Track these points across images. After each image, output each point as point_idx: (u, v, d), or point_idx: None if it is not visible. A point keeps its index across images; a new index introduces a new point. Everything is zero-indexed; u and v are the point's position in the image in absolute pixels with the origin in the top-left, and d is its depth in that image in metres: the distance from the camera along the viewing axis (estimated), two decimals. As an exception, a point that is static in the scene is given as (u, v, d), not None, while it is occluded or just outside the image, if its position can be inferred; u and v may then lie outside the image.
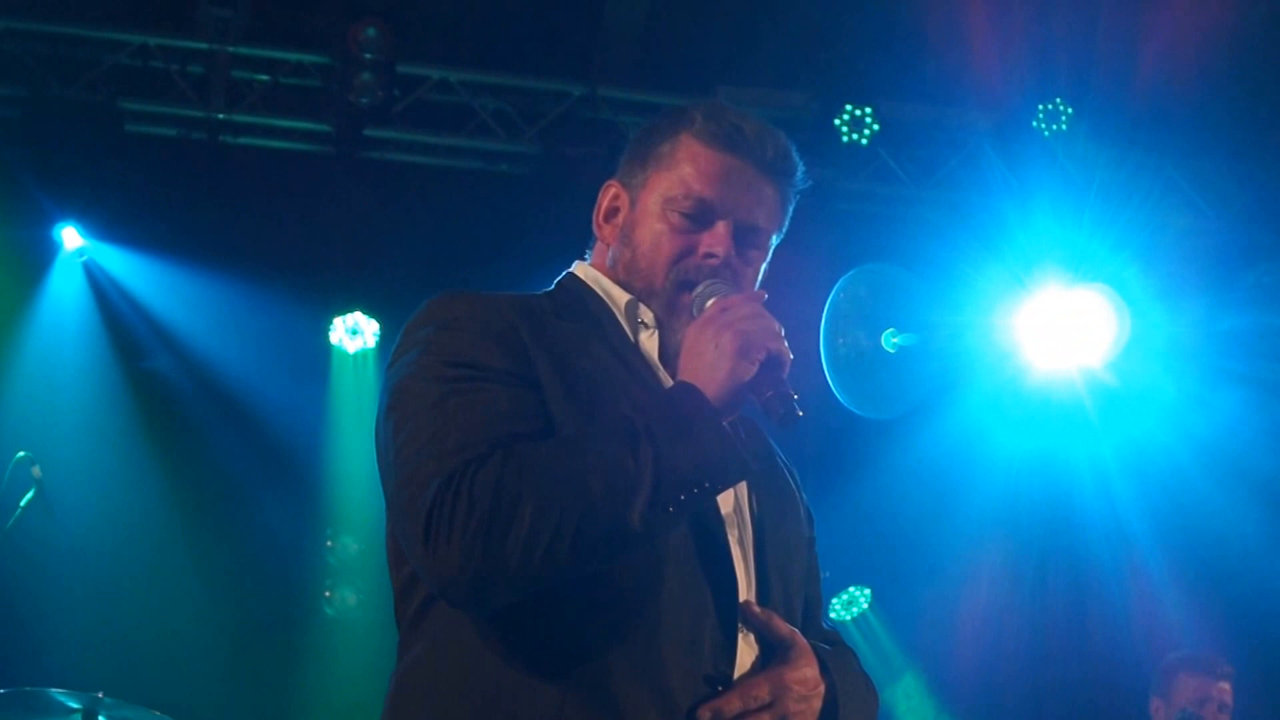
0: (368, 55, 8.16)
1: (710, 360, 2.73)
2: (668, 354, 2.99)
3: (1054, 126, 8.52)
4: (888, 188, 8.88)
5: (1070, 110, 8.52)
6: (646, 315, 3.02)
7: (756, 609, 2.89)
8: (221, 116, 8.43)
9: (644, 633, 2.76)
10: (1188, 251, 8.58)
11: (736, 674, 2.84)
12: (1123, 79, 8.41)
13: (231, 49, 8.36)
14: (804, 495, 3.24)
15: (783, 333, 2.80)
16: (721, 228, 2.99)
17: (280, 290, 8.24)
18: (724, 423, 2.71)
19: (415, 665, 2.82)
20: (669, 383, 2.89)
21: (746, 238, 3.03)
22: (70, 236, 8.30)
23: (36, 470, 6.82)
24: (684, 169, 3.02)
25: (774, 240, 3.12)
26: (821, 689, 2.91)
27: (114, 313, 8.54)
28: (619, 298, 3.05)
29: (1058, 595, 9.03)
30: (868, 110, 8.51)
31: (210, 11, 8.22)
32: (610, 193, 3.13)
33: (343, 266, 8.58)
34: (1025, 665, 8.99)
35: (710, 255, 2.97)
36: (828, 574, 8.20)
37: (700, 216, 2.99)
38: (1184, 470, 8.48)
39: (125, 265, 8.50)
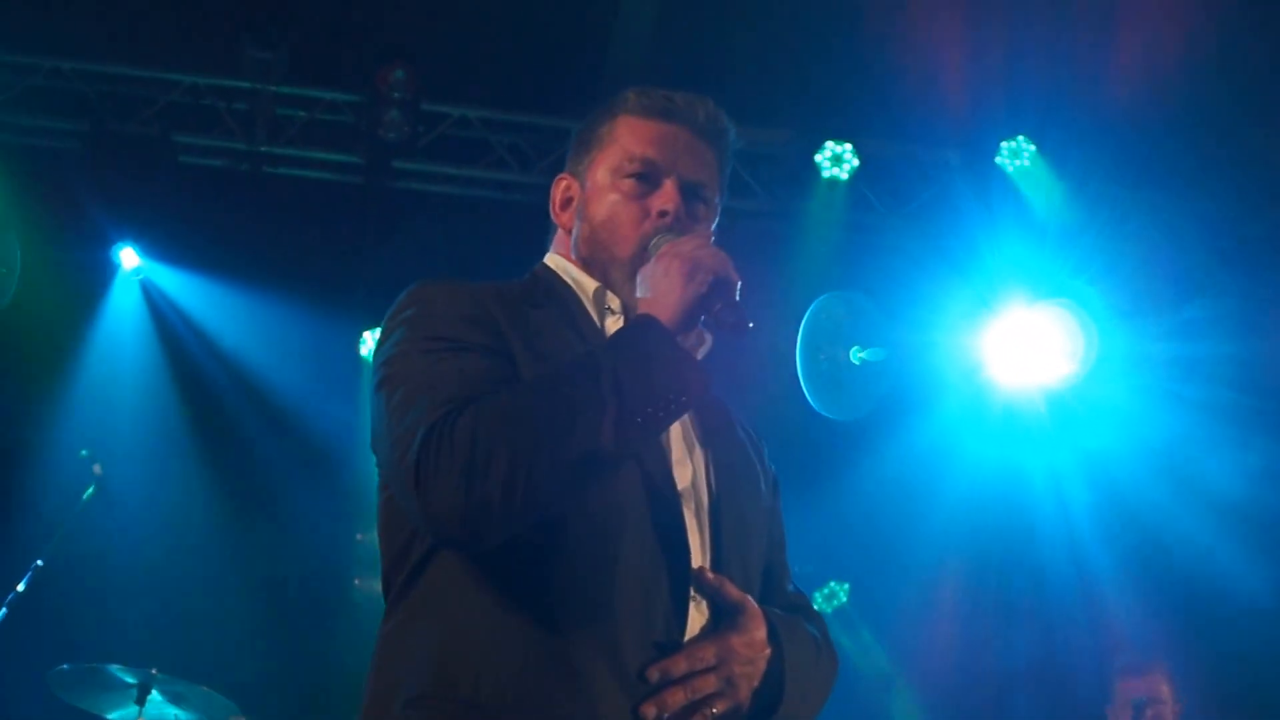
0: (395, 95, 8.57)
1: (662, 288, 2.81)
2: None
3: (1017, 162, 8.86)
4: (865, 217, 9.14)
5: (1033, 147, 8.86)
6: (614, 302, 3.07)
7: (710, 576, 2.91)
8: (264, 149, 8.82)
9: (601, 602, 2.79)
10: (1142, 277, 8.80)
11: (687, 639, 2.86)
12: (1082, 116, 8.64)
13: (273, 88, 8.70)
14: (770, 465, 3.26)
15: (729, 260, 2.85)
16: (669, 185, 3.07)
17: (315, 306, 8.64)
18: (679, 340, 2.79)
19: (394, 631, 2.88)
20: None
21: (693, 194, 3.11)
22: (128, 257, 8.76)
23: (97, 468, 7.35)
24: (625, 140, 3.12)
25: (718, 201, 3.19)
26: (768, 652, 2.93)
27: (167, 326, 8.95)
28: (587, 285, 3.11)
29: (1019, 592, 9.26)
30: (847, 147, 8.87)
31: (254, 55, 8.51)
32: (562, 184, 3.24)
33: (372, 285, 8.85)
34: (991, 655, 9.18)
35: (663, 213, 3.05)
36: (810, 569, 8.80)
37: (648, 177, 3.08)
38: (1137, 481, 8.74)
39: (178, 283, 8.92)
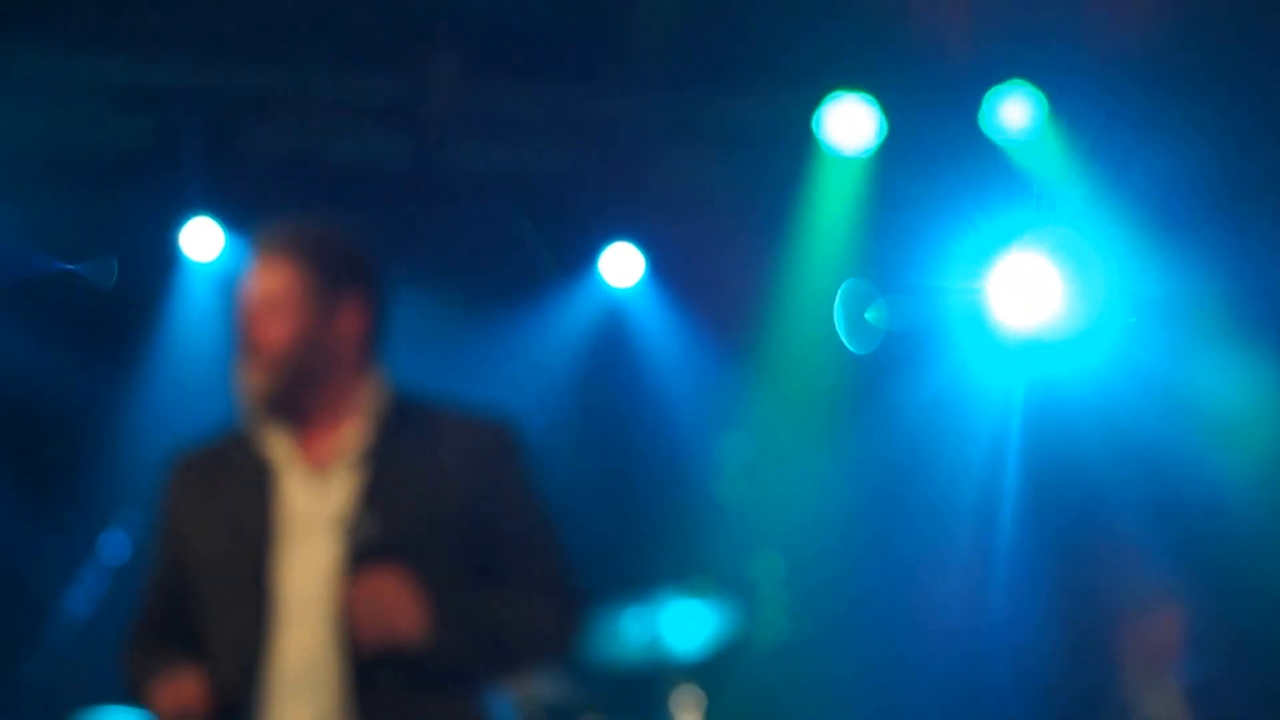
0: (440, 78, 8.95)
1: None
2: (293, 439, 3.77)
3: (1014, 110, 9.02)
4: (884, 179, 9.33)
5: (1031, 93, 9.01)
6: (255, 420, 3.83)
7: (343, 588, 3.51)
8: (320, 135, 9.20)
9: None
10: (1143, 217, 8.90)
11: (279, 653, 3.51)
12: (1081, 63, 8.72)
13: (324, 77, 9.04)
14: (493, 457, 3.78)
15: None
16: (243, 314, 3.86)
17: None
18: None
19: None
20: (281, 468, 3.71)
21: (255, 314, 3.81)
22: (200, 242, 9.17)
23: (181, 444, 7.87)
24: None
25: (315, 299, 3.75)
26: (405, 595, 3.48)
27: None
28: None
29: (1030, 527, 9.38)
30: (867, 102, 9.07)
31: (306, 46, 8.87)
32: None
33: (424, 263, 9.13)
34: (1005, 591, 9.34)
35: (238, 335, 3.85)
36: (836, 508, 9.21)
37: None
38: (1145, 417, 8.92)
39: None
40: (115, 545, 7.42)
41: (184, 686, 3.50)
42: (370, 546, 3.53)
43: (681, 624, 7.80)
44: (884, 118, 9.22)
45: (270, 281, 3.69)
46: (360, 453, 3.64)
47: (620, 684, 7.81)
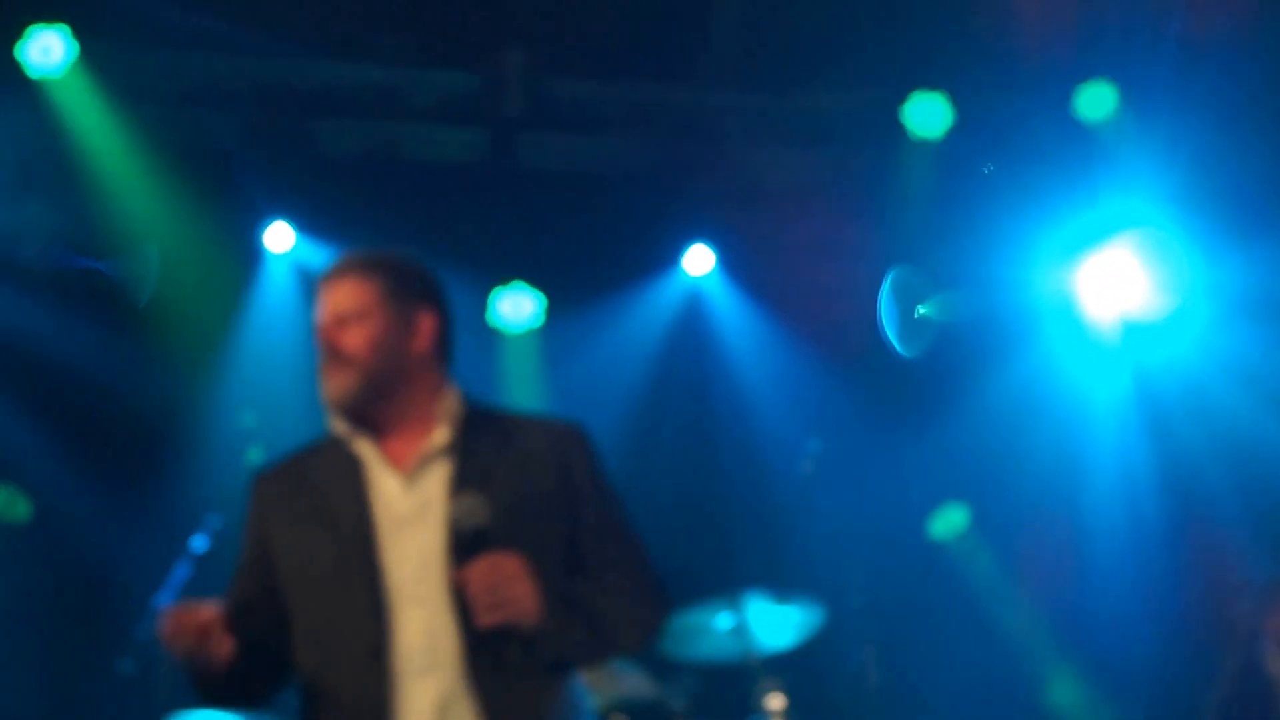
0: (514, 74, 9.03)
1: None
2: (377, 441, 3.93)
3: (1097, 104, 9.03)
4: (954, 168, 9.35)
5: (1114, 88, 9.02)
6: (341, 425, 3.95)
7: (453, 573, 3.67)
8: (396, 132, 9.31)
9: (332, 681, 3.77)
10: (1226, 208, 8.87)
11: (400, 636, 3.69)
12: (1162, 56, 8.74)
13: (401, 74, 9.15)
14: (568, 453, 3.96)
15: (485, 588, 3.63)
16: (321, 321, 4.00)
17: (448, 277, 8.89)
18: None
19: None
20: (365, 474, 3.87)
21: (333, 323, 3.97)
22: (279, 239, 9.29)
23: (259, 433, 7.93)
24: None
25: (382, 307, 3.97)
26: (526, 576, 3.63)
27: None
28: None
29: (1122, 518, 9.39)
30: (937, 99, 9.15)
31: (384, 44, 9.02)
32: None
33: (500, 255, 9.40)
34: (1101, 580, 9.41)
35: (319, 341, 4.00)
36: (927, 496, 9.17)
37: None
38: (1234, 408, 8.92)
39: (323, 259, 9.01)
40: (201, 540, 7.45)
41: (197, 609, 3.63)
42: (471, 534, 3.67)
43: (766, 620, 7.76)
44: (954, 111, 9.26)
45: (351, 295, 3.94)
46: (445, 451, 3.86)
47: (706, 681, 7.77)
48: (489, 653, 3.68)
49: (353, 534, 3.78)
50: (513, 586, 3.62)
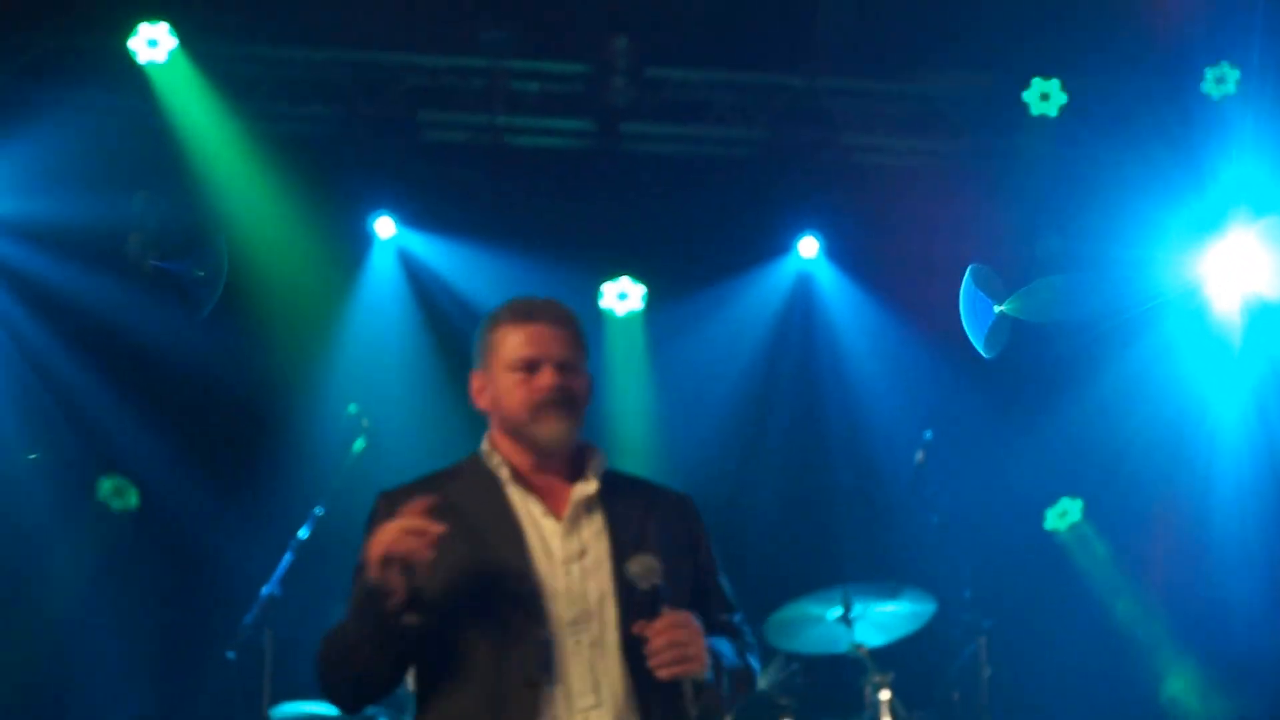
0: (620, 62, 9.06)
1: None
2: (530, 472, 4.03)
3: (1221, 87, 8.92)
4: (1075, 152, 9.32)
5: (1237, 70, 8.91)
6: (497, 459, 4.03)
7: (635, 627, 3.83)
8: (501, 121, 9.31)
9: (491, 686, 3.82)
10: None
11: (563, 672, 3.82)
12: None
13: (507, 64, 9.16)
14: (697, 522, 4.22)
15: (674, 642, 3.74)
16: (546, 369, 4.02)
17: (555, 264, 8.91)
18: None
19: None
20: (516, 517, 3.96)
21: (565, 368, 4.05)
22: (384, 227, 9.38)
23: (365, 422, 7.83)
24: (509, 344, 4.07)
25: (585, 366, 4.13)
26: (702, 634, 3.82)
27: (422, 288, 9.51)
28: (490, 451, 4.07)
29: (1246, 508, 9.25)
30: (1054, 83, 9.05)
31: (488, 34, 9.02)
32: (476, 382, 4.16)
33: (609, 240, 9.41)
34: (1221, 570, 9.26)
35: (545, 387, 4.00)
36: (1043, 487, 9.03)
37: (531, 368, 4.02)
38: None
39: (429, 249, 9.49)
40: (305, 529, 7.48)
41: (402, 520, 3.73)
42: (649, 591, 3.86)
43: (875, 612, 7.68)
44: (1070, 92, 9.13)
45: (572, 346, 4.12)
46: (593, 503, 4.06)
47: (813, 673, 7.72)
48: (661, 699, 3.85)
49: (513, 568, 3.92)
50: (694, 643, 3.79)
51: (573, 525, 4.00)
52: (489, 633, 3.86)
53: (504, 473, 4.04)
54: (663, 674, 3.75)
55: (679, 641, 3.76)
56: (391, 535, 3.66)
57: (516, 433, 4.06)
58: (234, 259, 8.50)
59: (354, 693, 3.98)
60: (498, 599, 3.87)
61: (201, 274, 8.39)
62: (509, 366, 4.07)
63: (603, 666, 3.88)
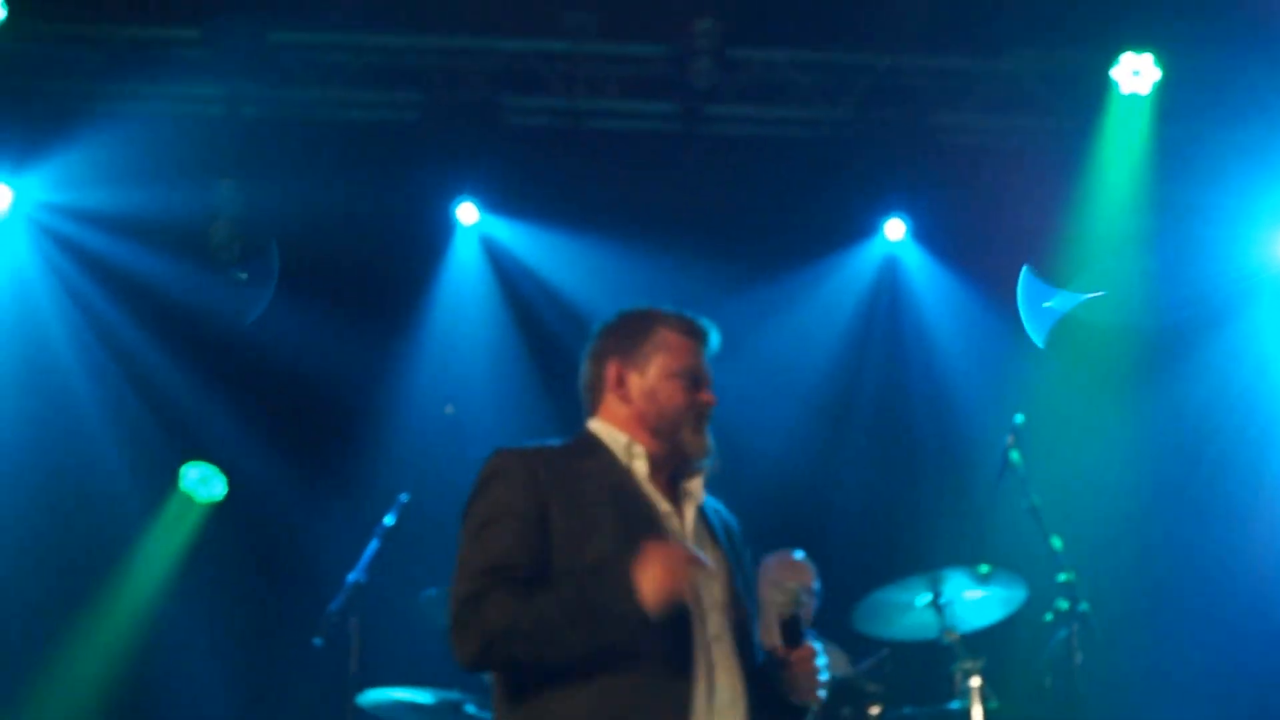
0: (703, 43, 8.94)
1: (646, 591, 3.76)
2: (654, 468, 4.14)
3: None
4: (1167, 129, 9.12)
5: None
6: (637, 449, 4.15)
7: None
8: (584, 104, 9.33)
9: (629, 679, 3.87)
10: None
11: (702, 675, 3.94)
12: None
13: (589, 47, 9.19)
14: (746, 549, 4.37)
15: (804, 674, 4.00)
16: (707, 388, 4.25)
17: (640, 248, 9.05)
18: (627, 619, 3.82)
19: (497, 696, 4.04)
20: (652, 500, 4.07)
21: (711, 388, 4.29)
22: (467, 213, 9.39)
23: (449, 409, 7.88)
24: (675, 350, 4.25)
25: None
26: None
27: (504, 272, 9.56)
28: (620, 439, 4.18)
29: None
30: (1146, 59, 8.91)
31: (570, 17, 9.09)
32: (614, 370, 4.26)
33: (693, 225, 9.33)
34: None
35: (708, 404, 4.22)
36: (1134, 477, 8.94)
37: (697, 380, 4.22)
38: None
39: (512, 234, 9.52)
40: (391, 516, 7.49)
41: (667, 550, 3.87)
42: (791, 619, 4.11)
43: (965, 598, 7.60)
44: (1163, 68, 9.02)
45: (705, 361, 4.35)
46: (698, 512, 4.25)
47: (903, 660, 7.64)
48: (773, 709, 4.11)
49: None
50: (818, 673, 4.08)
51: (694, 531, 4.17)
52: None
53: (640, 465, 4.17)
54: (797, 698, 4.05)
55: (815, 670, 4.03)
56: (676, 566, 3.80)
57: (661, 433, 4.21)
58: (319, 248, 8.52)
59: (516, 666, 3.94)
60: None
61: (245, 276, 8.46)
62: (675, 373, 4.24)
63: (726, 666, 4.02)
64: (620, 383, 4.26)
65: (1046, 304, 8.91)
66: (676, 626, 3.90)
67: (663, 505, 4.13)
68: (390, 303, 9.43)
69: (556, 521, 3.97)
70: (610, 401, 4.27)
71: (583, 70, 9.32)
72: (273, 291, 8.80)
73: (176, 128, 8.82)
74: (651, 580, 3.76)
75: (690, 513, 4.18)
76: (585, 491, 4.02)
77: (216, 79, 8.91)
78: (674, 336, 4.29)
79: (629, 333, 4.31)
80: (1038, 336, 9.09)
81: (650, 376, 4.25)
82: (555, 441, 4.23)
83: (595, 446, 4.21)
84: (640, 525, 4.00)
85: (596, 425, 4.27)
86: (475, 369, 9.29)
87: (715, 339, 4.35)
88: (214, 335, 9.12)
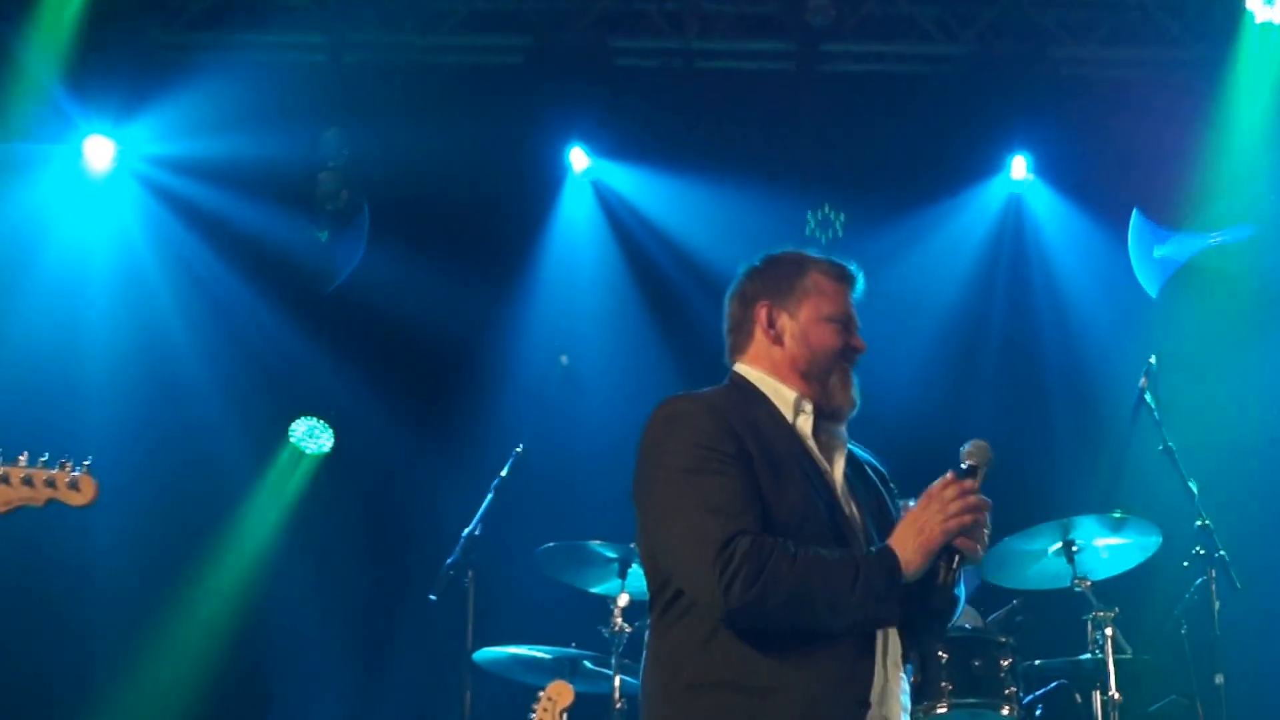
0: None
1: (911, 545, 3.86)
2: (818, 430, 4.06)
3: None
4: None
5: None
6: (806, 405, 4.09)
7: None
8: (696, 45, 9.20)
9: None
10: None
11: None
12: None
13: None
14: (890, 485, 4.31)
15: (976, 521, 3.89)
16: (857, 335, 4.17)
17: (755, 191, 8.92)
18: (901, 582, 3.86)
19: (670, 633, 3.91)
20: (816, 457, 4.00)
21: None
22: (578, 158, 9.33)
23: (564, 359, 7.86)
24: (828, 295, 4.18)
25: None
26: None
27: (616, 218, 9.48)
28: (786, 393, 4.10)
29: None
30: None
31: None
32: (765, 312, 4.16)
33: (809, 166, 9.21)
34: None
35: (858, 349, 4.16)
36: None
37: (848, 325, 4.15)
38: None
39: (623, 178, 9.43)
40: (506, 469, 7.43)
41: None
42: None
43: (1098, 545, 7.40)
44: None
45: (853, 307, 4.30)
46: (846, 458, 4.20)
47: (1034, 609, 7.47)
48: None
49: (832, 502, 4.00)
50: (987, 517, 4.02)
51: (846, 482, 4.14)
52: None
53: (805, 421, 4.12)
54: (959, 548, 3.92)
55: (983, 508, 3.94)
56: (963, 510, 3.88)
57: (812, 377, 4.15)
58: (427, 197, 8.57)
59: (766, 617, 3.84)
60: (830, 527, 3.95)
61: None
62: (829, 316, 4.19)
63: None
64: (771, 324, 4.18)
65: (1159, 250, 8.63)
66: None
67: (823, 462, 4.07)
68: (501, 251, 9.36)
69: (761, 468, 3.92)
70: (759, 343, 4.20)
71: (694, 10, 9.19)
72: (365, 243, 8.74)
73: (281, 76, 8.78)
74: (940, 524, 3.86)
75: (840, 464, 4.12)
76: (772, 440, 3.98)
77: (321, 26, 8.84)
78: (825, 280, 4.23)
79: (780, 275, 4.23)
80: (1149, 285, 8.84)
81: (802, 319, 4.19)
82: (707, 390, 4.13)
83: (757, 396, 4.14)
84: (816, 481, 3.99)
85: (745, 369, 4.19)
86: (589, 317, 9.22)
87: (862, 285, 4.29)
88: (321, 287, 9.07)
